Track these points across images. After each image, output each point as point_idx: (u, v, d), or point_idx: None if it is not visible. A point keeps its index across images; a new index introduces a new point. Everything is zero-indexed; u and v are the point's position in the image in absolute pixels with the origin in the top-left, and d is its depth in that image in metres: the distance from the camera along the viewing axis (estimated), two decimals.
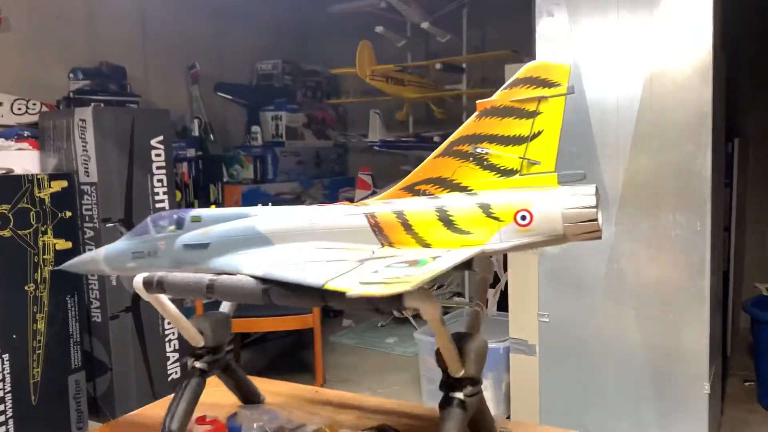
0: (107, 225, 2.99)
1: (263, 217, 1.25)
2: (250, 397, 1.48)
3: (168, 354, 3.25)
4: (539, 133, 1.10)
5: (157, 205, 3.18)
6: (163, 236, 1.30)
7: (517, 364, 2.87)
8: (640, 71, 2.34)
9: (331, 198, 5.06)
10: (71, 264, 1.55)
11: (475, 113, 1.13)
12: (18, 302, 2.67)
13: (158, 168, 3.18)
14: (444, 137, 4.47)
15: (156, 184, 3.18)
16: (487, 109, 1.12)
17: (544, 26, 2.50)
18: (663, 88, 2.32)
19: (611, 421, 2.52)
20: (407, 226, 1.15)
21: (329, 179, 5.21)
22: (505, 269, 4.11)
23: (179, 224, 1.29)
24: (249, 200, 4.38)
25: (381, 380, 3.70)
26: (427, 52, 4.92)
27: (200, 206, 4.14)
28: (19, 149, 3.07)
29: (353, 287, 0.90)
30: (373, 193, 4.09)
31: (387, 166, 4.94)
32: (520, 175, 1.12)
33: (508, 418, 2.99)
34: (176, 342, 3.29)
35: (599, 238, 1.02)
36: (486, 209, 1.09)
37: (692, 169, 2.27)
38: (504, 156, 1.13)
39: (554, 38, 2.49)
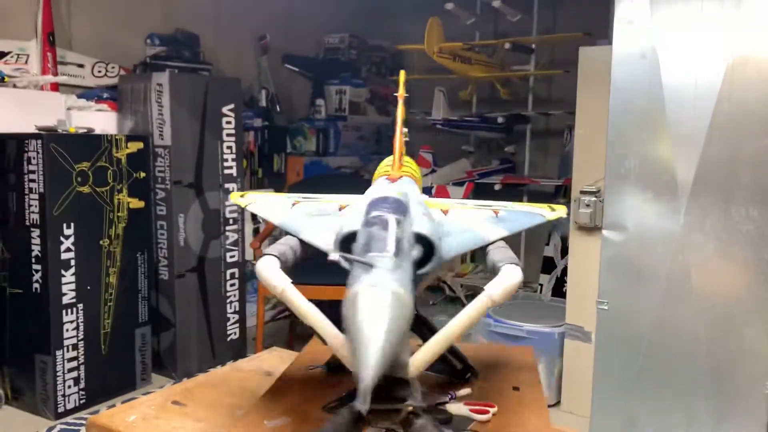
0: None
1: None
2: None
3: (228, 315, 3.37)
4: None
5: (225, 171, 3.27)
6: None
7: (571, 350, 2.87)
8: (722, 59, 2.27)
9: None
10: None
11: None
12: (93, 256, 2.81)
13: (228, 135, 3.27)
14: (508, 119, 4.46)
15: (225, 150, 3.27)
16: None
17: (624, 8, 2.44)
18: (745, 77, 2.24)
19: (664, 414, 2.49)
20: None
21: (388, 156, 5.23)
22: (563, 255, 4.09)
23: None
24: (311, 172, 4.46)
25: None
26: (496, 31, 4.86)
27: (264, 175, 4.24)
28: (99, 110, 3.20)
29: None
30: (433, 171, 4.10)
31: (448, 145, 4.94)
32: None
33: (558, 403, 3.00)
34: (237, 304, 3.41)
35: None
36: None
37: None
38: None
39: (633, 21, 2.44)
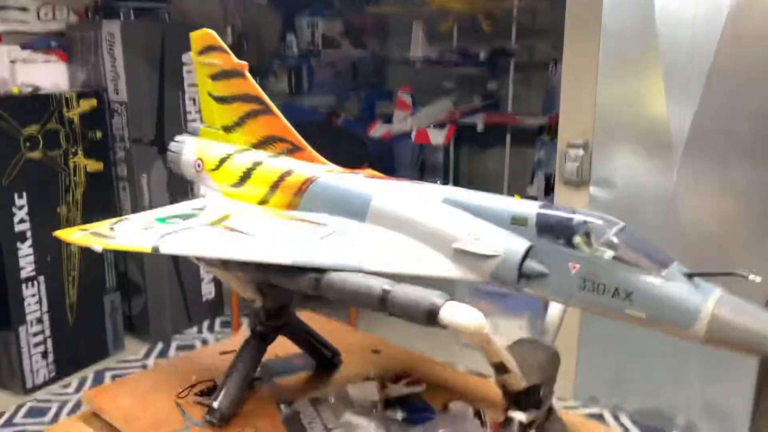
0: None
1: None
2: (321, 357, 1.36)
3: (203, 275, 3.24)
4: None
5: (189, 125, 3.05)
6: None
7: (555, 308, 2.78)
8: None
9: (367, 113, 4.88)
10: None
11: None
12: (51, 225, 2.62)
13: (190, 85, 3.03)
14: (492, 54, 4.21)
15: (188, 102, 3.04)
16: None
17: None
18: (749, 20, 2.05)
19: (650, 374, 2.44)
20: None
21: (365, 92, 4.99)
22: (547, 194, 3.96)
23: None
24: (284, 112, 4.23)
25: None
26: None
27: None
28: (47, 61, 2.94)
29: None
30: (413, 114, 3.90)
31: (429, 82, 4.70)
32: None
33: None
34: None
35: None
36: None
37: None
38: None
39: None
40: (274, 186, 1.20)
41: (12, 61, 2.81)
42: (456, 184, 4.86)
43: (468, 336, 0.85)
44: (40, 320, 2.63)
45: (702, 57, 2.11)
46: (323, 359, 1.35)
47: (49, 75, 2.89)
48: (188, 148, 1.35)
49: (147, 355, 2.93)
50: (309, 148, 1.28)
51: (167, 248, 1.05)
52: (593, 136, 2.41)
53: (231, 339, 1.62)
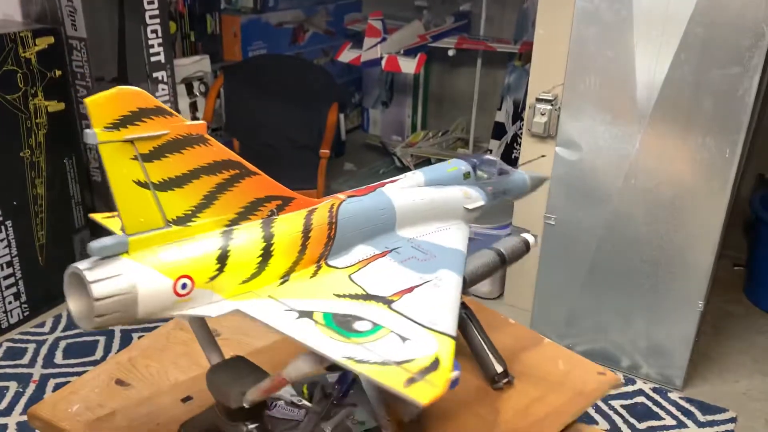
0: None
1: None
2: None
3: None
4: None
5: (153, 59, 2.96)
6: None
7: None
8: None
9: (336, 26, 4.74)
10: None
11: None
12: (15, 169, 2.59)
13: (152, 17, 2.90)
14: None
15: (150, 35, 2.92)
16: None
17: None
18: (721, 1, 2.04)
19: (599, 317, 2.62)
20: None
21: (334, 5, 4.81)
22: (514, 121, 4.00)
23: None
24: (249, 32, 4.09)
25: None
26: None
27: (197, 39, 3.87)
28: None
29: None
30: (383, 40, 3.81)
31: (400, 1, 4.56)
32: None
33: (501, 296, 3.11)
34: None
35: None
36: None
37: (734, 93, 2.09)
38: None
39: None
40: (303, 246, 0.97)
41: None
42: (425, 105, 4.84)
43: None
44: (10, 264, 2.65)
45: (673, 30, 2.12)
46: None
47: (0, 6, 2.73)
48: (142, 276, 0.83)
49: None
50: (296, 194, 1.01)
51: None
52: (562, 94, 2.43)
53: (190, 380, 1.40)
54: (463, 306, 1.37)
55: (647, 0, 2.13)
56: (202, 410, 1.20)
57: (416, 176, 1.20)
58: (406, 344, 0.80)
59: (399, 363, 0.75)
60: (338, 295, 0.91)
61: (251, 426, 1.06)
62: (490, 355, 1.35)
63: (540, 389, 1.40)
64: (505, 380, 1.35)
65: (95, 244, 0.83)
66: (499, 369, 1.35)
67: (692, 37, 2.09)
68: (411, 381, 0.73)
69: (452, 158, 1.30)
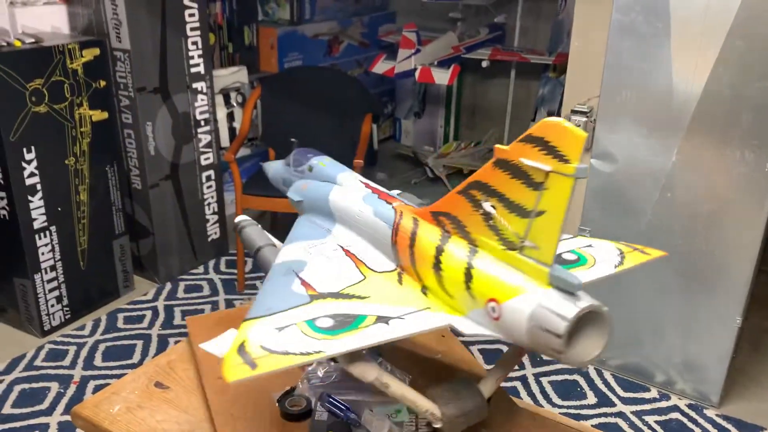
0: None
1: (339, 188, 1.26)
2: None
3: (208, 217, 3.32)
4: (542, 212, 0.85)
5: (192, 70, 3.03)
6: (294, 174, 1.39)
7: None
8: None
9: (370, 38, 4.79)
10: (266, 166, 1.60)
11: (492, 158, 0.89)
12: (60, 177, 2.68)
13: (192, 30, 2.98)
14: None
15: (191, 47, 3.00)
16: (500, 159, 0.88)
17: None
18: (762, 12, 2.02)
19: (633, 332, 2.59)
20: (412, 257, 1.03)
21: (368, 16, 4.87)
22: None
23: (310, 168, 1.37)
24: (286, 44, 4.16)
25: None
26: None
27: (235, 50, 3.95)
28: (47, 3, 2.86)
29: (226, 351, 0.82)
30: (417, 52, 3.84)
31: (435, 11, 4.59)
32: (519, 253, 0.89)
33: None
34: (215, 205, 3.34)
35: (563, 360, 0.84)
36: (468, 280, 0.92)
37: None
38: (506, 225, 0.90)
39: None
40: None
41: (11, 3, 2.75)
42: (458, 116, 4.85)
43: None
44: (53, 267, 2.73)
45: (712, 42, 2.10)
46: None
47: (49, 19, 2.83)
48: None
49: (156, 297, 3.06)
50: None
51: None
52: (598, 106, 2.42)
53: None
54: None
55: (685, 12, 2.12)
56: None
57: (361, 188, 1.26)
58: None
59: None
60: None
61: None
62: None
63: None
64: None
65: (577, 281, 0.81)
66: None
67: (731, 50, 2.07)
68: None
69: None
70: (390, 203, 1.13)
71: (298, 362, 0.82)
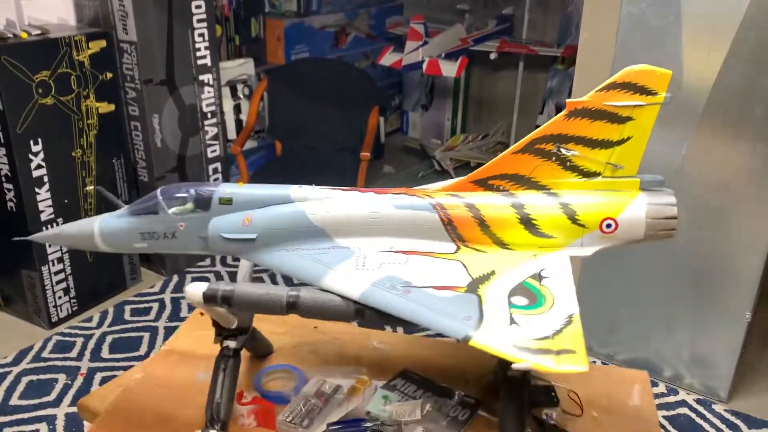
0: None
1: (314, 203, 1.14)
2: (263, 352, 1.44)
3: None
4: (628, 138, 1.10)
5: (199, 62, 3.02)
6: (183, 217, 1.15)
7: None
8: None
9: (377, 30, 4.76)
10: (46, 236, 1.39)
11: (564, 111, 1.10)
12: (66, 169, 2.68)
13: (199, 21, 2.97)
14: None
15: (197, 38, 2.99)
16: (577, 109, 1.09)
17: None
18: None
19: (641, 325, 2.57)
20: (483, 224, 1.12)
21: (375, 8, 4.84)
22: None
23: (203, 204, 1.14)
24: (293, 36, 4.14)
25: None
26: None
27: (241, 42, 3.93)
28: None
29: (509, 351, 0.88)
30: (425, 44, 3.82)
31: (442, 4, 4.55)
32: (602, 177, 1.12)
33: None
34: None
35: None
36: (572, 216, 1.10)
37: None
38: (589, 158, 1.11)
39: None
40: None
41: None
42: (465, 108, 4.82)
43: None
44: (61, 260, 2.73)
45: (724, 35, 2.07)
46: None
47: (56, 11, 2.82)
48: None
49: (163, 290, 3.06)
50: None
51: None
52: None
53: None
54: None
55: (696, 4, 2.09)
56: None
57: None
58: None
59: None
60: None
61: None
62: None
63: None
64: None
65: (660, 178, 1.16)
66: None
67: (744, 42, 2.04)
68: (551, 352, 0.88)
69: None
70: (401, 193, 1.16)
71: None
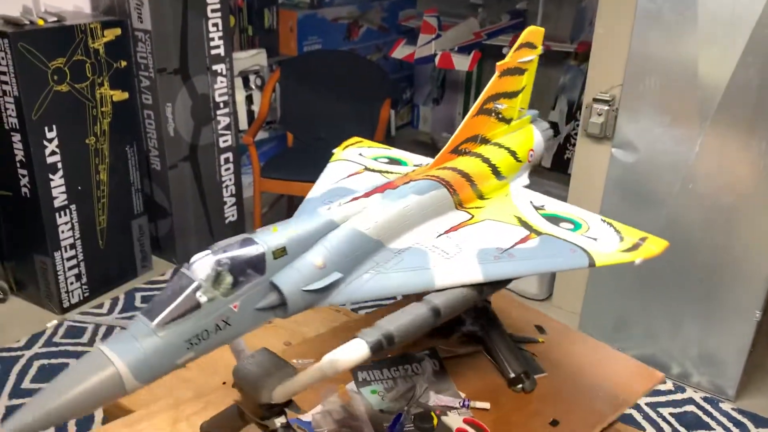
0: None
1: (358, 218, 1.08)
2: None
3: (225, 199, 3.33)
4: (524, 87, 1.41)
5: (213, 52, 3.03)
6: (237, 294, 0.89)
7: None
8: None
9: (390, 22, 4.75)
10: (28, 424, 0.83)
11: (496, 73, 1.34)
12: (80, 156, 2.70)
13: (213, 11, 2.97)
14: None
15: (211, 28, 3.00)
16: (505, 69, 1.35)
17: None
18: None
19: (650, 322, 2.57)
20: (472, 183, 1.29)
21: (388, 1, 4.83)
22: (568, 121, 3.95)
23: (257, 268, 0.93)
24: (305, 27, 4.15)
25: None
26: None
27: (254, 33, 3.94)
28: None
29: (622, 257, 1.09)
30: (438, 37, 3.81)
31: None
32: (514, 120, 1.43)
33: (549, 297, 3.09)
34: (233, 188, 3.35)
35: None
36: (515, 155, 1.38)
37: None
38: (511, 108, 1.40)
39: None
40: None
41: None
42: None
43: None
44: (73, 246, 2.76)
45: (740, 32, 2.06)
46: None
47: None
48: None
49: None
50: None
51: None
52: (621, 94, 2.40)
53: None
54: (486, 309, 1.45)
55: (713, 1, 2.08)
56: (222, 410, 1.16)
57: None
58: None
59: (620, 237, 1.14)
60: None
61: (279, 422, 1.01)
62: (504, 361, 1.40)
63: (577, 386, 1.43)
64: (519, 386, 1.38)
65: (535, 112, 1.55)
66: (511, 374, 1.38)
67: (760, 39, 2.03)
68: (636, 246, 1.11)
69: None
70: (408, 181, 1.22)
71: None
